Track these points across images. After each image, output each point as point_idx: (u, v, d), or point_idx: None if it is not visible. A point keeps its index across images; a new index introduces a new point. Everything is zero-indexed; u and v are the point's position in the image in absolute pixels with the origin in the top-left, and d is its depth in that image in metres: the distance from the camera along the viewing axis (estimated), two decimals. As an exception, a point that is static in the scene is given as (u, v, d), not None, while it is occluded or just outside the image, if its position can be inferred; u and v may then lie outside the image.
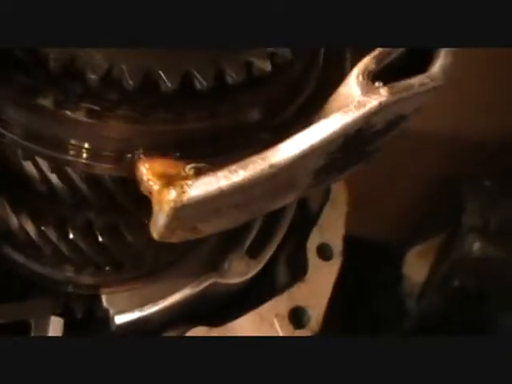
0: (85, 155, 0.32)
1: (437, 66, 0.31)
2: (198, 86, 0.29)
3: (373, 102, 0.29)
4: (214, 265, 0.51)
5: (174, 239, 0.34)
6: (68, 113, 0.30)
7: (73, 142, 0.31)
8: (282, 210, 0.54)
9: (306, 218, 0.57)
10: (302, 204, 0.57)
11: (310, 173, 0.33)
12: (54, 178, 0.38)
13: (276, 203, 0.34)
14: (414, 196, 1.01)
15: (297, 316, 0.53)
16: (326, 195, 0.58)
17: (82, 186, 0.38)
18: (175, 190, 0.29)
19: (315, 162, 0.32)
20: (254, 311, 0.52)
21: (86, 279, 0.50)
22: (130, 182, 0.38)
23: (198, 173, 0.29)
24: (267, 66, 0.30)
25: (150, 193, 0.32)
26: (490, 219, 0.87)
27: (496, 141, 0.88)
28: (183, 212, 0.30)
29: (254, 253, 0.52)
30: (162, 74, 0.28)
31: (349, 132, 0.30)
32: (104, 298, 0.50)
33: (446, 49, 0.30)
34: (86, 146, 0.31)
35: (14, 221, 0.40)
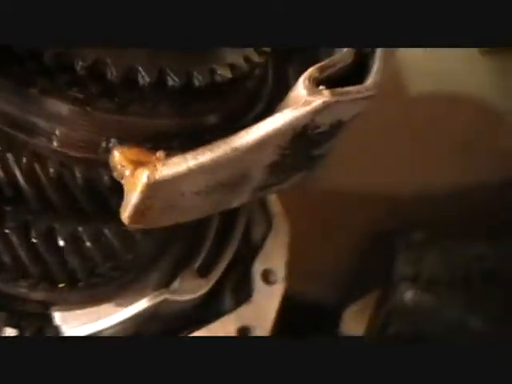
0: (58, 142, 0.35)
1: (371, 80, 0.37)
2: (170, 83, 0.34)
3: (317, 101, 0.35)
4: (166, 283, 0.54)
5: (141, 224, 0.37)
6: (52, 100, 0.34)
7: (50, 127, 0.35)
8: (229, 234, 0.59)
9: (250, 246, 0.61)
10: (246, 233, 0.61)
11: (265, 167, 0.38)
12: (21, 179, 0.40)
13: (233, 197, 0.39)
14: (350, 252, 1.06)
15: (244, 335, 0.56)
16: (268, 226, 0.63)
17: (50, 189, 0.41)
18: (148, 169, 0.33)
19: (269, 156, 0.37)
20: (203, 328, 0.55)
21: (39, 295, 0.51)
22: (96, 190, 0.41)
23: (168, 156, 0.33)
24: (227, 74, 0.36)
25: (122, 177, 0.36)
26: (421, 269, 0.94)
27: (425, 194, 0.96)
28: (154, 191, 0.33)
29: (204, 272, 0.55)
30: (141, 69, 0.33)
31: (297, 127, 0.35)
32: (56, 316, 0.51)
33: (378, 65, 0.37)
34: (63, 132, 0.35)
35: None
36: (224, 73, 0.36)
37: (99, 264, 0.48)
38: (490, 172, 0.98)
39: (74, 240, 0.45)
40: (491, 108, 0.94)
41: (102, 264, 0.49)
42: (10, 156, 0.38)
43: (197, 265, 0.55)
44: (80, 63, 0.32)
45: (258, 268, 0.60)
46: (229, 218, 0.60)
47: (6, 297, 0.50)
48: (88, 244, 0.45)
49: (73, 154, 0.37)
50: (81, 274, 0.49)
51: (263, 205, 0.64)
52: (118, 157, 0.35)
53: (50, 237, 0.45)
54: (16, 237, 0.44)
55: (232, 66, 0.37)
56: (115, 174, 0.36)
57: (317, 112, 0.36)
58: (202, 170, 0.34)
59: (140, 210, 0.35)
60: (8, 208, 0.43)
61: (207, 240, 0.57)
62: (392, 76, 1.00)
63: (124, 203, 0.36)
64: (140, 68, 0.33)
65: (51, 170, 0.38)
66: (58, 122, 0.35)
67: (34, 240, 0.44)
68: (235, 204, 0.41)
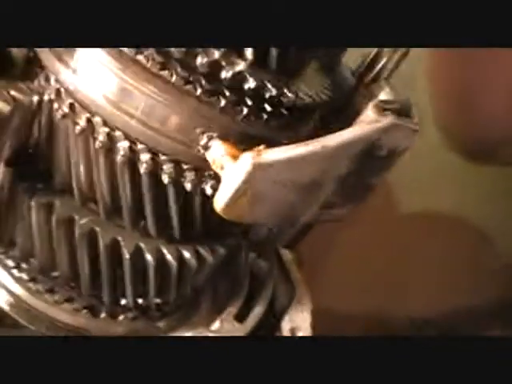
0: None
1: (416, 119, 0.46)
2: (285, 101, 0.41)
3: (386, 120, 0.42)
4: (206, 323, 0.56)
5: (233, 215, 0.40)
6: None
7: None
8: (261, 291, 0.62)
9: (276, 310, 0.64)
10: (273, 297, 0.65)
11: (334, 178, 0.43)
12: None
13: (305, 206, 0.44)
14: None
15: None
16: (292, 293, 0.67)
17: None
18: (252, 154, 0.38)
19: (340, 167, 0.43)
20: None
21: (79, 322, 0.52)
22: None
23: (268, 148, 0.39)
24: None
25: (222, 167, 0.40)
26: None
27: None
28: (256, 176, 0.38)
29: (240, 318, 0.57)
30: (268, 85, 0.40)
31: (367, 141, 0.42)
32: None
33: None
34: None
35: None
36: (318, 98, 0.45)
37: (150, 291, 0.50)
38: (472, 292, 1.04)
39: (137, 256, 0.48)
40: (477, 228, 1.04)
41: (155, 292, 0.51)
42: None
43: (235, 310, 0.58)
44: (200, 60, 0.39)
45: (285, 326, 0.63)
46: (257, 279, 0.64)
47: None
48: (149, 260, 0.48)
49: (167, 146, 0.42)
50: (128, 299, 0.50)
51: (286, 274, 0.68)
52: (220, 147, 0.40)
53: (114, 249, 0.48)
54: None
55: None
56: (214, 166, 0.41)
57: (384, 130, 0.43)
58: (296, 161, 0.39)
59: (236, 198, 0.40)
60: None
61: (244, 289, 0.60)
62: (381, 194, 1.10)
63: (220, 193, 0.40)
64: (268, 85, 0.41)
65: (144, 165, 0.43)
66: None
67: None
68: (303, 216, 0.45)
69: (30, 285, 0.51)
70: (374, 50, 0.54)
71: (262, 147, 0.39)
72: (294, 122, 0.45)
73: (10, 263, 0.52)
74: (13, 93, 0.45)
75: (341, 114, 0.51)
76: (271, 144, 0.41)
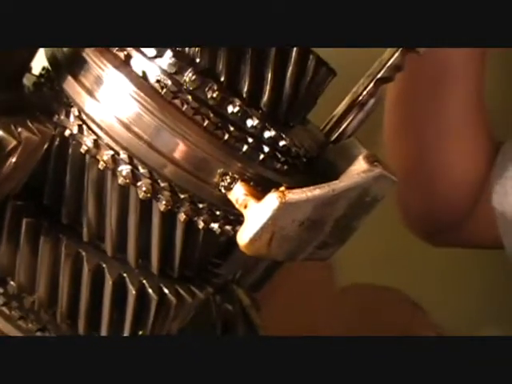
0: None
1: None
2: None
3: (376, 170, 0.49)
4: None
5: (254, 249, 0.44)
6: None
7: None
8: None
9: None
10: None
11: (333, 220, 0.48)
12: None
13: (306, 245, 0.48)
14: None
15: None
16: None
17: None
18: (277, 193, 0.42)
19: (338, 210, 0.48)
20: None
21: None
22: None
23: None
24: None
25: (246, 207, 0.44)
26: None
27: None
28: (281, 211, 0.42)
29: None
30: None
31: (361, 188, 0.48)
32: None
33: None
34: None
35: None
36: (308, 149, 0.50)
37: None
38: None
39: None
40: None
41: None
42: None
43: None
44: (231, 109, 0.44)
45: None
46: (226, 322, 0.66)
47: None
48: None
49: (188, 184, 0.45)
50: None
51: (247, 318, 0.72)
52: (243, 188, 0.44)
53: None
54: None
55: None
56: (237, 206, 0.44)
57: (375, 179, 0.49)
58: (312, 201, 0.44)
59: (260, 234, 0.43)
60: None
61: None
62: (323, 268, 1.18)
63: (245, 229, 0.44)
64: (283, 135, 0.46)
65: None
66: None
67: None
68: (303, 254, 0.50)
69: (20, 323, 0.50)
70: (339, 111, 0.62)
71: (283, 188, 0.44)
72: (293, 169, 0.51)
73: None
74: (20, 129, 0.45)
75: (312, 167, 0.57)
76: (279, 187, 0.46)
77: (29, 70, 0.51)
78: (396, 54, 0.59)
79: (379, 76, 0.60)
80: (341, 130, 0.62)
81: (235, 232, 0.47)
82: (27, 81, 0.50)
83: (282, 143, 0.47)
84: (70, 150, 0.47)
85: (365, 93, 0.61)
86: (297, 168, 0.53)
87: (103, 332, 0.50)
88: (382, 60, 0.61)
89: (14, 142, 0.41)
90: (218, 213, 0.48)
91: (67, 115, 0.46)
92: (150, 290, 0.50)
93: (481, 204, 0.81)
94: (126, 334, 0.51)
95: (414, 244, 0.99)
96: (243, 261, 0.69)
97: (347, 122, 0.62)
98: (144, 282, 0.50)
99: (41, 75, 0.50)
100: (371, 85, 0.60)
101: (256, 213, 0.44)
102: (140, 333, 0.52)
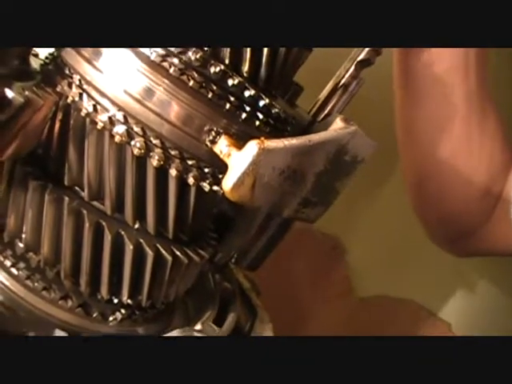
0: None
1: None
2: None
3: (352, 127, 0.53)
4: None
5: (238, 194, 0.47)
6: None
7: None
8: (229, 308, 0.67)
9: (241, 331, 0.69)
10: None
11: (314, 174, 0.52)
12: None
13: (289, 200, 0.52)
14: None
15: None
16: (252, 318, 0.73)
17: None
18: (255, 141, 0.47)
19: (318, 164, 0.52)
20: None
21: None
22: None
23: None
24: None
25: (229, 155, 0.48)
26: None
27: None
28: (261, 157, 0.46)
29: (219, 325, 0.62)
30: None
31: (338, 143, 0.52)
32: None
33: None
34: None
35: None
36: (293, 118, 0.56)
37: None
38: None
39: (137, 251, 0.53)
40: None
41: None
42: None
43: (212, 317, 0.63)
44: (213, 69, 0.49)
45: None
46: (224, 298, 0.69)
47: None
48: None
49: (179, 140, 0.49)
50: (123, 296, 0.54)
51: (247, 300, 0.74)
52: (226, 140, 0.48)
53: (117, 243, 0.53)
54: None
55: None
56: (221, 156, 0.49)
57: (352, 135, 0.53)
58: (290, 150, 0.48)
59: (242, 179, 0.47)
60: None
61: (216, 303, 0.66)
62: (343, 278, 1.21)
63: (229, 175, 0.48)
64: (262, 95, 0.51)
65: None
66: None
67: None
68: (287, 208, 0.53)
69: (28, 282, 0.54)
70: (325, 92, 0.67)
71: (262, 138, 0.48)
72: (275, 131, 0.55)
73: (8, 262, 0.54)
74: (27, 92, 0.50)
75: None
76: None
77: (36, 55, 0.57)
78: (373, 39, 0.65)
79: (359, 59, 0.66)
80: (327, 110, 0.67)
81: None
82: (34, 63, 0.56)
83: (261, 103, 0.52)
84: (72, 117, 0.52)
85: (347, 75, 0.66)
86: (281, 132, 0.57)
87: (103, 290, 0.54)
88: (361, 44, 0.67)
89: (21, 101, 0.46)
90: (206, 170, 0.52)
91: (69, 85, 0.51)
92: (147, 248, 0.53)
93: (497, 211, 0.80)
94: (124, 293, 0.54)
95: (432, 255, 1.00)
96: (239, 242, 0.73)
97: (332, 102, 0.67)
98: (141, 240, 0.53)
99: (46, 58, 0.56)
100: (352, 68, 0.66)
101: (238, 160, 0.48)
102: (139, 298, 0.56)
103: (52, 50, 0.57)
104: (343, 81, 0.66)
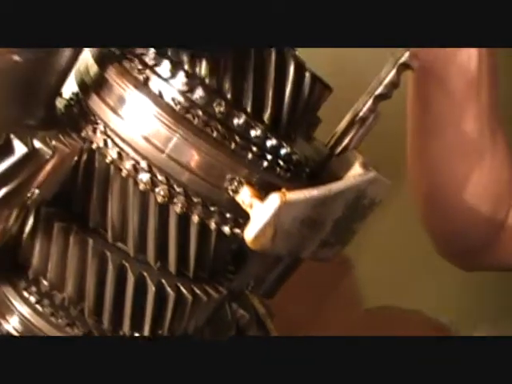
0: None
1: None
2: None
3: (370, 174, 0.54)
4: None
5: (259, 244, 0.49)
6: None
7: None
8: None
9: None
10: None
11: (333, 220, 0.53)
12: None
13: (308, 243, 0.53)
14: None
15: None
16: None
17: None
18: (277, 193, 0.48)
19: (337, 210, 0.53)
20: None
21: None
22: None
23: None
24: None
25: (252, 206, 0.49)
26: None
27: None
28: (283, 209, 0.47)
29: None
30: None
31: (358, 189, 0.53)
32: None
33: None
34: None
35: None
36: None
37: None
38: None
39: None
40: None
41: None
42: None
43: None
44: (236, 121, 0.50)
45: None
46: (240, 327, 0.71)
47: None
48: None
49: (201, 190, 0.50)
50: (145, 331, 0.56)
51: (262, 325, 0.76)
52: (249, 190, 0.49)
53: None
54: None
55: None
56: (243, 206, 0.50)
57: (370, 182, 0.54)
58: (311, 201, 0.49)
59: (264, 230, 0.48)
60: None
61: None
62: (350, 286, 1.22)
63: (251, 226, 0.49)
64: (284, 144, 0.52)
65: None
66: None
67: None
68: (305, 251, 0.54)
69: (52, 319, 0.56)
70: (342, 125, 0.68)
71: (284, 190, 0.49)
72: (295, 175, 0.56)
73: (32, 299, 0.56)
74: (54, 142, 0.51)
75: (317, 178, 0.62)
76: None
77: (60, 94, 0.58)
78: (392, 72, 0.65)
79: (377, 93, 0.66)
80: (344, 144, 0.68)
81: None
82: (59, 104, 0.57)
83: (283, 151, 0.53)
84: (97, 162, 0.53)
85: (365, 109, 0.67)
86: (300, 176, 0.58)
87: (125, 326, 0.55)
88: (379, 77, 0.67)
89: (49, 153, 0.47)
90: (227, 215, 0.53)
91: (94, 131, 0.52)
92: (168, 288, 0.55)
93: (506, 229, 0.81)
94: (146, 329, 0.56)
95: (439, 267, 1.01)
96: (255, 271, 0.75)
97: (349, 136, 0.68)
98: (162, 280, 0.55)
99: (70, 99, 0.57)
100: (370, 101, 0.67)
101: (260, 211, 0.49)
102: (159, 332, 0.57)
103: (75, 89, 0.58)
104: (361, 114, 0.67)
